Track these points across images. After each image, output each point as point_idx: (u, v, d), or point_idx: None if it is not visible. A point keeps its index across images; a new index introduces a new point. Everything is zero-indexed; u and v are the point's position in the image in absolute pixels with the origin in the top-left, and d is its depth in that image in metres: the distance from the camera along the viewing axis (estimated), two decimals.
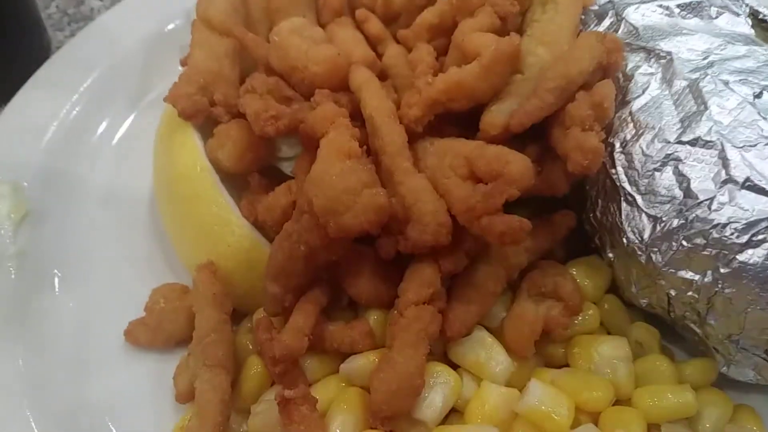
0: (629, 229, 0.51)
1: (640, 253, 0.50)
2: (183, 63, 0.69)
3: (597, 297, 0.56)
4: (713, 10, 0.59)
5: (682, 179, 0.48)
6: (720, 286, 0.46)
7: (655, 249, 0.49)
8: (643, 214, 0.50)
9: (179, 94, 0.60)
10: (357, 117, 0.59)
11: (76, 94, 0.74)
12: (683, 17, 0.59)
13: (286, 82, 0.61)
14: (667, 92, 0.52)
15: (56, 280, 0.62)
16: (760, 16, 0.62)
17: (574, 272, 0.56)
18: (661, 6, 0.60)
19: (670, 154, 0.49)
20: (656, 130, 0.51)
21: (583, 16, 0.64)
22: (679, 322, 0.52)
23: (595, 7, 0.64)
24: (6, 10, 0.84)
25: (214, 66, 0.63)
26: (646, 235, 0.50)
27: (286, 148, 0.61)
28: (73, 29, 0.96)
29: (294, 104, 0.59)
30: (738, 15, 0.59)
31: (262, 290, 0.55)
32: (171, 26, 0.83)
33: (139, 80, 0.78)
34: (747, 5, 0.61)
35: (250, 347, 0.56)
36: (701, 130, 0.49)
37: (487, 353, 0.51)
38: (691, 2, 0.59)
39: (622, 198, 0.52)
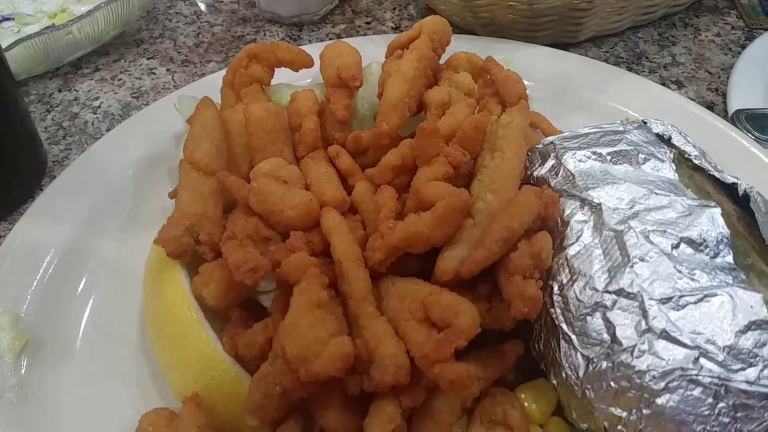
0: (567, 365, 0.58)
1: (576, 387, 0.57)
2: (171, 196, 0.76)
3: (544, 420, 0.62)
4: (641, 157, 0.67)
5: (609, 326, 0.55)
6: (643, 424, 0.53)
7: (589, 386, 0.56)
8: (578, 353, 0.57)
9: (168, 237, 0.66)
10: (329, 254, 0.66)
11: (73, 221, 0.80)
12: (614, 164, 0.67)
13: (264, 221, 0.68)
14: (597, 241, 0.60)
15: (55, 406, 0.67)
16: (686, 156, 0.70)
17: (523, 397, 0.63)
18: (594, 153, 0.68)
19: (598, 302, 0.56)
20: (587, 277, 0.58)
21: (529, 154, 0.72)
22: None
23: (540, 146, 0.72)
24: (5, 127, 0.91)
25: (200, 207, 0.70)
26: (581, 373, 0.56)
27: (265, 284, 0.68)
28: (68, 143, 1.03)
29: (271, 245, 0.66)
30: (663, 161, 0.67)
31: (242, 419, 0.61)
32: (159, 150, 0.90)
33: (130, 203, 0.85)
34: (672, 149, 0.69)
35: None
36: (624, 281, 0.56)
37: None
38: (621, 150, 0.68)
39: (561, 336, 0.58)
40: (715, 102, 1.04)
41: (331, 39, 1.20)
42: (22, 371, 0.68)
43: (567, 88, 0.94)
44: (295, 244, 0.65)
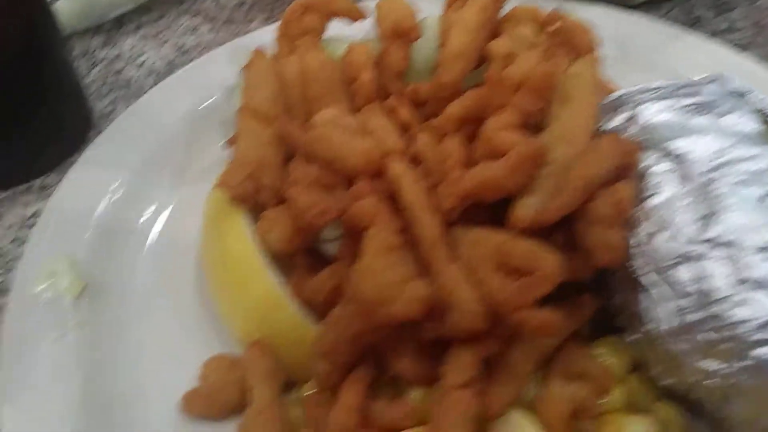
0: (649, 319, 0.56)
1: (659, 342, 0.55)
2: (229, 144, 0.74)
3: (622, 375, 0.60)
4: (721, 110, 0.64)
5: (698, 277, 0.53)
6: (735, 378, 0.51)
7: (675, 340, 0.54)
8: (662, 306, 0.55)
9: (230, 181, 0.65)
10: (394, 203, 0.64)
11: (124, 171, 0.79)
12: (693, 116, 0.64)
13: (326, 170, 0.66)
14: (682, 191, 0.57)
15: (114, 352, 0.66)
16: (765, 111, 0.67)
17: (601, 351, 0.61)
18: (671, 105, 0.65)
19: (685, 253, 0.54)
20: (672, 227, 0.55)
21: (599, 108, 0.70)
22: (699, 403, 0.56)
23: (609, 100, 0.70)
24: (52, 78, 0.90)
25: (260, 153, 0.68)
26: (666, 326, 0.54)
27: (329, 231, 0.66)
28: (113, 98, 1.02)
29: (336, 192, 0.65)
30: (744, 114, 0.64)
31: (309, 364, 0.59)
32: (210, 102, 0.88)
33: (182, 156, 0.84)
34: (752, 104, 0.66)
35: (300, 420, 0.60)
36: (715, 231, 0.53)
37: None
38: (700, 102, 0.65)
39: (642, 289, 0.56)
40: None
41: None
42: (82, 313, 0.67)
43: (629, 49, 0.91)
44: (362, 191, 0.63)
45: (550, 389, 0.57)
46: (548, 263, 0.53)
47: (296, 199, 0.61)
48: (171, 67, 1.07)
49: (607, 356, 0.60)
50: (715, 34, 1.07)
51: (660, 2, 1.11)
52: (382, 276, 0.53)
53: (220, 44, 1.10)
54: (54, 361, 0.63)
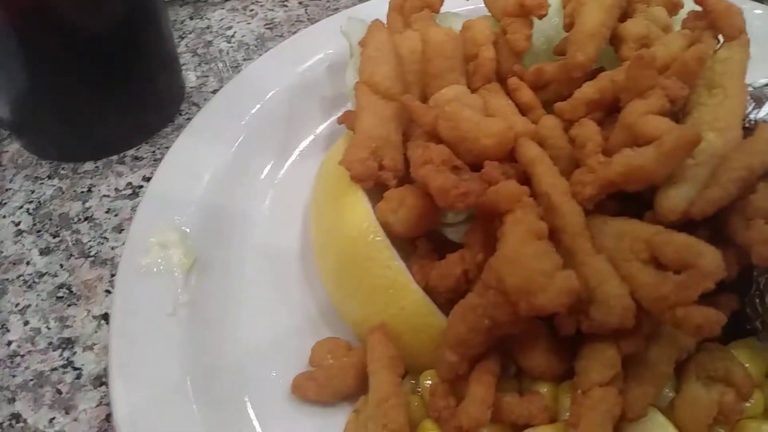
0: None
1: None
2: (341, 121, 0.72)
3: (760, 381, 0.57)
4: None
5: None
6: None
7: None
8: None
9: (353, 159, 0.62)
10: None
11: (229, 143, 0.77)
12: None
13: (451, 149, 0.63)
14: None
15: (222, 329, 0.65)
16: None
17: (738, 355, 0.57)
18: None
19: None
20: None
21: None
22: None
23: (751, 89, 0.66)
24: (150, 48, 0.88)
25: (383, 131, 0.65)
26: None
27: (452, 215, 0.63)
28: (204, 70, 1.00)
29: (463, 174, 0.62)
30: None
31: (431, 353, 0.57)
32: (315, 75, 0.86)
33: (285, 130, 0.82)
34: None
35: (421, 410, 0.57)
36: None
37: None
38: None
39: None
40: None
41: None
42: (192, 290, 0.65)
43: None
44: (493, 174, 0.60)
45: (691, 392, 0.54)
46: (709, 258, 0.49)
47: (433, 179, 0.58)
48: (261, 41, 1.05)
49: (744, 359, 0.56)
50: None
51: None
52: (529, 264, 0.50)
53: (310, 18, 1.09)
54: (167, 338, 0.61)
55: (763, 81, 0.66)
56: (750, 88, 0.66)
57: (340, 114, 0.73)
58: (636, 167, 0.56)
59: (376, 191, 0.64)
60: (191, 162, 0.74)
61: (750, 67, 0.76)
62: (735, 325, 0.60)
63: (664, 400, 0.55)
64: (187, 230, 0.69)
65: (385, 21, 0.80)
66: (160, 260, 0.65)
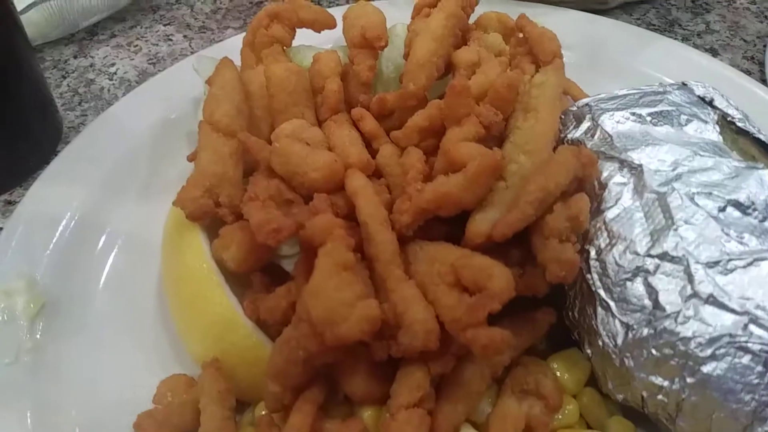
0: (604, 332, 0.55)
1: (614, 356, 0.54)
2: (190, 159, 0.73)
3: (576, 390, 0.60)
4: (683, 118, 0.64)
5: (651, 291, 0.52)
6: (686, 393, 0.50)
7: (628, 354, 0.53)
8: (617, 320, 0.54)
9: (187, 198, 0.64)
10: (353, 217, 0.63)
11: (89, 185, 0.78)
12: (654, 125, 0.63)
13: (286, 183, 0.65)
14: (638, 204, 0.57)
15: (69, 372, 0.66)
16: (729, 119, 0.66)
17: (555, 366, 0.60)
18: (633, 114, 0.64)
19: (640, 266, 0.53)
20: (627, 241, 0.55)
21: (562, 116, 0.69)
22: (653, 417, 0.55)
23: (574, 109, 0.69)
24: (20, 92, 0.89)
25: (219, 168, 0.67)
26: (619, 341, 0.54)
27: (287, 248, 0.65)
28: (84, 109, 1.01)
29: (294, 208, 0.64)
30: (706, 122, 0.64)
31: (264, 385, 0.59)
32: (177, 114, 0.88)
33: (147, 168, 0.83)
34: (716, 111, 0.66)
35: None
36: (668, 245, 0.53)
37: None
38: (662, 111, 0.64)
39: (597, 303, 0.56)
40: (751, 70, 1.00)
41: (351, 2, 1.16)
42: (38, 335, 0.66)
43: (599, 54, 0.90)
44: (319, 206, 0.62)
45: (504, 406, 0.56)
46: (499, 280, 0.52)
47: (252, 216, 0.60)
48: (143, 77, 1.06)
49: (561, 371, 0.59)
50: (691, 36, 1.07)
51: (635, 5, 1.10)
52: (333, 295, 0.52)
53: (194, 52, 1.10)
54: (7, 387, 0.62)
55: (586, 100, 0.69)
56: (574, 108, 0.70)
57: None
58: (443, 194, 0.58)
59: (219, 228, 0.66)
60: (47, 206, 0.75)
61: (590, 78, 0.81)
62: (565, 334, 0.63)
63: (482, 415, 0.58)
64: (37, 277, 0.70)
65: None
66: (3, 307, 0.65)
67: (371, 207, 0.61)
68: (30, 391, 0.63)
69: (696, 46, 1.04)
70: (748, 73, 0.98)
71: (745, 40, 1.05)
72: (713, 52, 1.03)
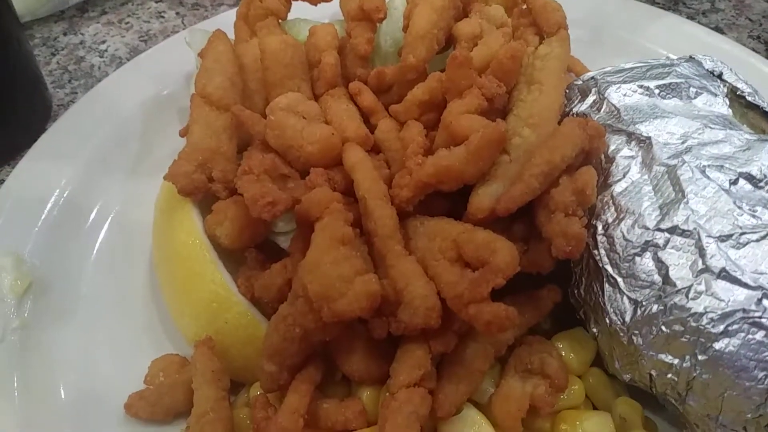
0: (611, 309, 0.53)
1: (621, 334, 0.52)
2: (182, 134, 0.71)
3: (582, 371, 0.58)
4: (692, 91, 0.62)
5: (661, 266, 0.50)
6: (698, 371, 0.48)
7: (636, 332, 0.51)
8: (625, 297, 0.52)
9: (178, 173, 0.62)
10: (351, 193, 0.61)
11: (77, 162, 0.76)
12: (663, 98, 0.61)
13: (282, 158, 0.63)
14: (646, 177, 0.55)
15: (58, 351, 0.63)
16: (738, 92, 0.64)
17: (560, 346, 0.58)
18: (641, 86, 0.62)
19: (649, 241, 0.51)
20: (636, 215, 0.53)
21: (567, 90, 0.67)
22: (661, 397, 0.54)
23: (579, 82, 0.67)
24: (8, 69, 0.86)
25: (212, 143, 0.65)
26: (627, 318, 0.52)
27: (282, 224, 0.63)
28: (74, 86, 0.98)
29: (290, 182, 0.62)
30: (716, 95, 0.62)
31: (259, 364, 0.57)
32: (169, 90, 0.85)
33: (139, 145, 0.81)
34: (725, 84, 0.64)
35: (248, 422, 0.57)
36: (679, 218, 0.51)
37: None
38: (670, 83, 0.62)
39: (605, 279, 0.54)
40: (757, 49, 0.98)
41: None
42: (26, 314, 0.64)
43: (603, 29, 0.88)
44: (316, 181, 0.60)
45: (507, 386, 0.55)
46: (503, 254, 0.50)
47: (246, 189, 0.58)
48: (134, 54, 1.03)
49: (566, 350, 0.57)
50: (696, 14, 1.04)
51: None
52: (330, 270, 0.50)
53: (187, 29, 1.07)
54: None
55: (591, 73, 0.67)
56: (579, 81, 0.67)
57: None
58: (444, 167, 0.56)
59: (212, 204, 0.64)
60: (35, 183, 0.73)
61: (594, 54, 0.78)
62: (570, 314, 0.61)
63: (484, 395, 0.56)
64: (25, 255, 0.67)
65: None
66: None
67: (370, 181, 0.59)
68: (17, 371, 0.61)
69: (701, 25, 1.02)
70: (754, 52, 0.96)
71: (750, 19, 1.03)
72: (719, 31, 1.01)
